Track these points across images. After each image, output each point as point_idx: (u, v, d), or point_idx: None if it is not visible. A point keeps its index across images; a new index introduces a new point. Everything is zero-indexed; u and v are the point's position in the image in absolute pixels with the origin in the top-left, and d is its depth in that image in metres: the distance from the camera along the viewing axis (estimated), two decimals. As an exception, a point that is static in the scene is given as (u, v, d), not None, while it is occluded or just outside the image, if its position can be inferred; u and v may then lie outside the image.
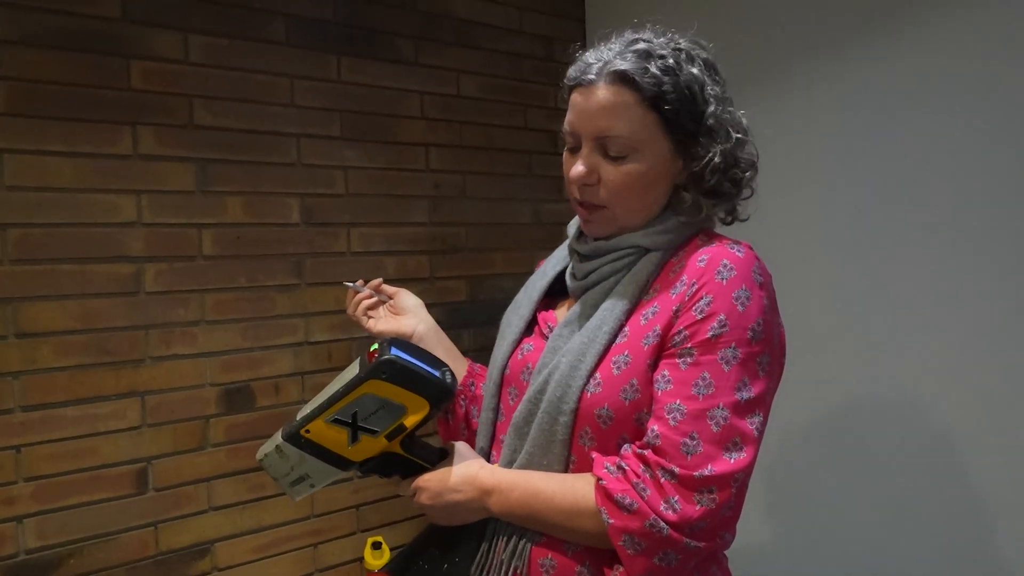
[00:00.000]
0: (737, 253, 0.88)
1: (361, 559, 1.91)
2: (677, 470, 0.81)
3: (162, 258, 1.64)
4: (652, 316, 0.89)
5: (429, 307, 2.06)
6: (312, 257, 1.86)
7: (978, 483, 1.59)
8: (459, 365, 1.14)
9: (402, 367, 0.85)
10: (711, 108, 0.91)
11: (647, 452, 0.84)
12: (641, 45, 0.91)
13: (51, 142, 1.52)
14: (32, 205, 1.50)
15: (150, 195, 1.63)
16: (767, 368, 0.86)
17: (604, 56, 0.92)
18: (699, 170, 0.91)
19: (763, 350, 0.86)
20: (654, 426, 0.84)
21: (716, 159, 0.90)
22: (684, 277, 0.89)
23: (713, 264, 0.87)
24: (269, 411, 1.80)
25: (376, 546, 1.78)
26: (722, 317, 0.84)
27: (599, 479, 0.85)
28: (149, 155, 1.63)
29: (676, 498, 0.81)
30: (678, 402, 0.84)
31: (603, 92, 0.91)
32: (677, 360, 0.85)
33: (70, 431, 1.54)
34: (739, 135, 0.93)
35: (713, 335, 0.84)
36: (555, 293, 1.06)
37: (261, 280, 1.78)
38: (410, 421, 0.88)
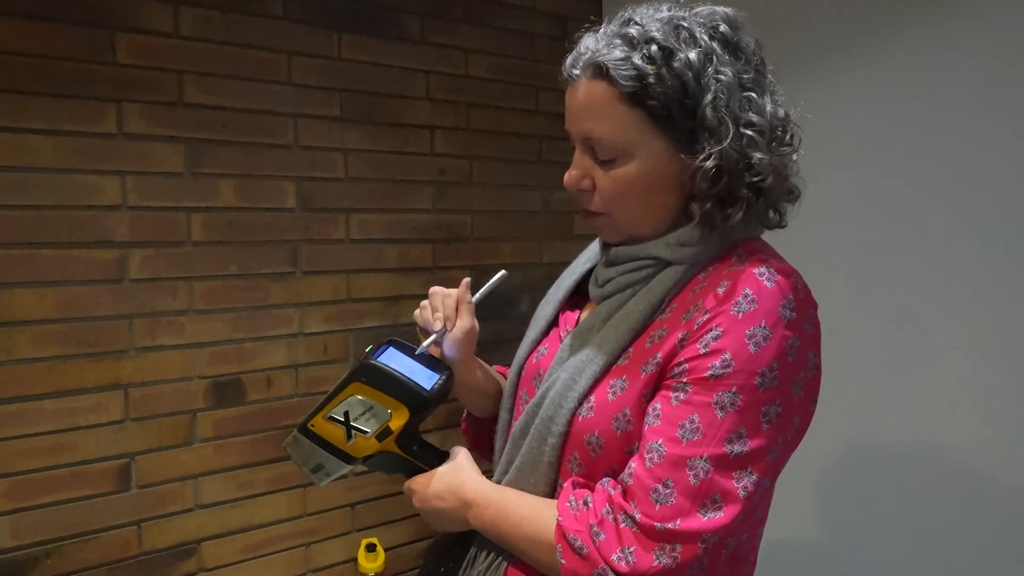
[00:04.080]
0: (766, 282, 0.76)
1: (355, 560, 1.84)
2: (639, 517, 0.73)
3: (148, 243, 1.55)
4: (658, 340, 0.80)
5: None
6: (308, 244, 1.76)
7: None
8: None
9: (381, 372, 0.87)
10: (707, 98, 0.76)
11: (616, 492, 0.76)
12: (631, 29, 0.79)
13: (31, 119, 1.43)
14: (10, 186, 1.41)
15: (136, 177, 1.53)
16: (775, 420, 0.75)
17: (591, 45, 0.81)
18: (697, 174, 0.78)
19: (772, 399, 0.75)
20: (633, 463, 0.76)
21: (711, 162, 0.77)
22: (700, 302, 0.78)
23: (733, 292, 0.76)
24: (261, 405, 1.71)
25: (370, 548, 1.70)
26: (727, 356, 0.74)
27: (559, 515, 0.78)
28: (135, 134, 1.53)
29: (633, 548, 0.73)
30: (660, 442, 0.75)
31: (583, 89, 0.81)
32: (671, 394, 0.76)
33: (48, 425, 1.46)
34: (752, 131, 0.78)
35: (713, 375, 0.74)
36: (586, 291, 0.97)
37: (253, 268, 1.69)
38: (395, 425, 0.87)
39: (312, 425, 0.88)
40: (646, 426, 0.77)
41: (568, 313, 0.97)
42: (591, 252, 1.01)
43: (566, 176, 0.86)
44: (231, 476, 1.68)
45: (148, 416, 1.57)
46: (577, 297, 0.99)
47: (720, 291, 0.77)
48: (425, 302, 1.02)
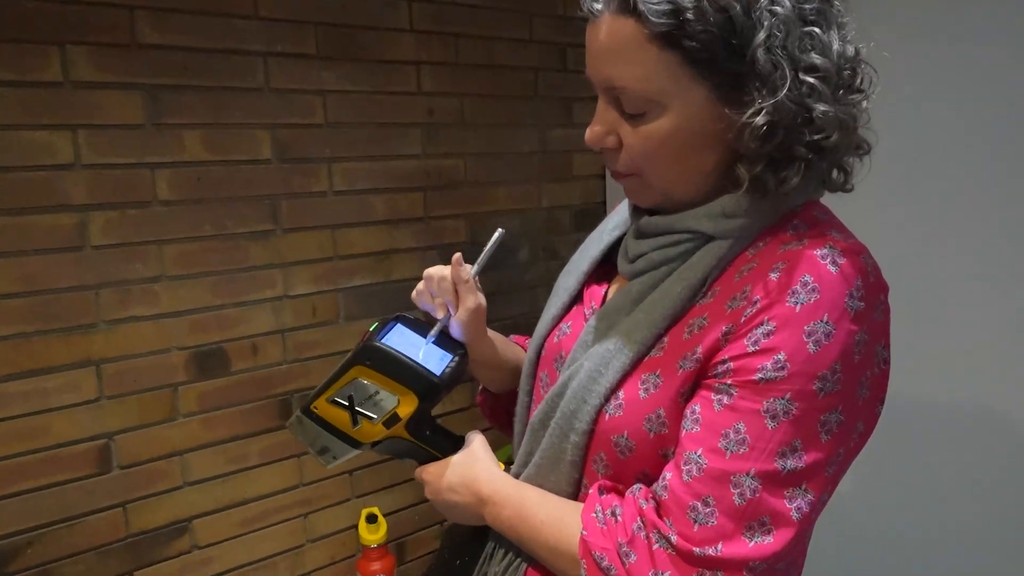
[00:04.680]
0: (829, 266, 0.64)
1: (356, 527, 1.76)
2: (675, 539, 0.64)
3: (110, 205, 1.40)
4: (699, 330, 0.68)
5: (424, 250, 1.85)
6: (288, 199, 1.61)
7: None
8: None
9: (386, 355, 0.79)
10: (759, 36, 0.62)
11: (649, 505, 0.67)
12: None
13: (-39, 68, 1.26)
14: (-56, 146, 1.25)
15: (89, 131, 1.37)
16: (836, 430, 0.64)
17: None
18: (745, 131, 0.65)
19: (834, 406, 0.64)
20: (668, 473, 0.66)
21: (763, 117, 0.63)
22: (749, 288, 0.66)
23: (789, 279, 0.64)
24: (247, 374, 1.60)
25: (371, 519, 1.62)
26: (781, 357, 0.62)
27: (583, 528, 0.69)
28: (84, 82, 1.36)
29: (668, 573, 0.63)
30: (700, 452, 0.64)
31: (605, 27, 0.67)
32: (712, 396, 0.66)
33: (16, 408, 1.34)
34: (814, 76, 0.63)
35: (763, 378, 0.63)
36: (615, 261, 0.84)
37: (230, 227, 1.54)
38: (403, 412, 0.80)
39: (315, 407, 0.80)
40: (683, 431, 0.67)
41: (594, 287, 0.85)
42: (620, 216, 0.87)
43: (588, 132, 0.73)
44: (220, 450, 1.58)
45: (125, 393, 1.45)
46: (605, 267, 0.86)
47: (773, 277, 0.65)
48: (421, 285, 0.90)
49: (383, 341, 0.80)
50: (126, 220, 1.42)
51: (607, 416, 0.71)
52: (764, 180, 0.67)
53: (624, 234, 0.83)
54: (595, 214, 2.16)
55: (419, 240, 1.82)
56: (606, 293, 0.84)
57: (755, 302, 0.64)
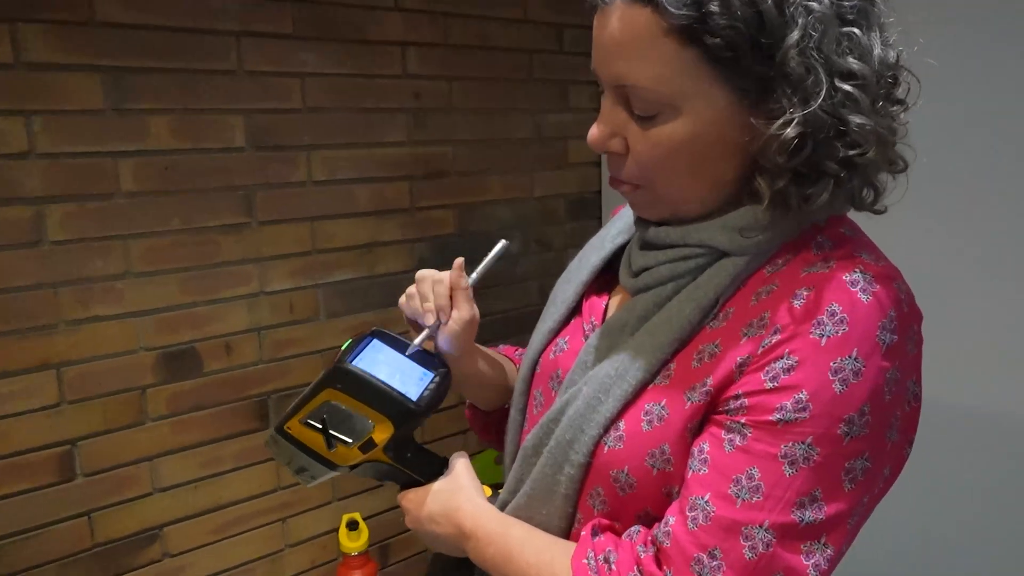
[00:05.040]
0: (860, 294, 0.56)
1: (338, 531, 1.69)
2: None
3: (68, 198, 1.30)
4: (709, 359, 0.61)
5: (412, 243, 1.76)
6: (264, 189, 1.51)
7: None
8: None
9: (356, 379, 0.72)
10: (792, 36, 0.54)
11: (648, 554, 0.60)
12: None
13: (-100, 47, 1.15)
14: None
15: (45, 117, 1.26)
16: (862, 477, 0.57)
17: None
18: (772, 143, 0.57)
19: (861, 451, 0.57)
20: (671, 518, 0.60)
21: (793, 129, 0.55)
22: (768, 314, 0.59)
23: (816, 307, 0.56)
24: (222, 375, 1.51)
25: (352, 526, 1.55)
26: (802, 396, 0.55)
27: (572, 574, 0.63)
28: (39, 63, 1.25)
29: None
30: (707, 498, 0.58)
31: (617, 18, 0.58)
32: (723, 435, 0.58)
33: (-33, 416, 1.25)
34: (851, 84, 0.55)
35: (782, 419, 0.56)
36: (617, 269, 0.77)
37: (200, 220, 1.44)
38: (379, 437, 0.74)
39: (288, 428, 0.74)
40: (689, 471, 0.60)
41: (594, 299, 0.78)
42: (624, 222, 0.79)
43: (591, 133, 0.64)
44: (192, 455, 1.50)
45: (88, 397, 1.37)
46: (607, 276, 0.78)
47: (797, 304, 0.57)
48: (412, 288, 0.82)
49: (354, 363, 0.73)
50: (86, 213, 1.32)
51: (606, 449, 0.64)
52: (786, 196, 0.59)
53: (628, 241, 0.75)
54: (591, 204, 2.06)
55: (405, 232, 1.72)
56: (607, 306, 0.76)
57: (775, 331, 0.57)
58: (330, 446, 0.73)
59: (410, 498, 0.78)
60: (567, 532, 0.70)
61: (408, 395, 0.73)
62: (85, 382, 1.36)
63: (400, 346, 0.78)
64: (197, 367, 1.48)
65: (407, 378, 0.75)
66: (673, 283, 0.66)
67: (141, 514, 1.45)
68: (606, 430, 0.65)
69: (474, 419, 0.95)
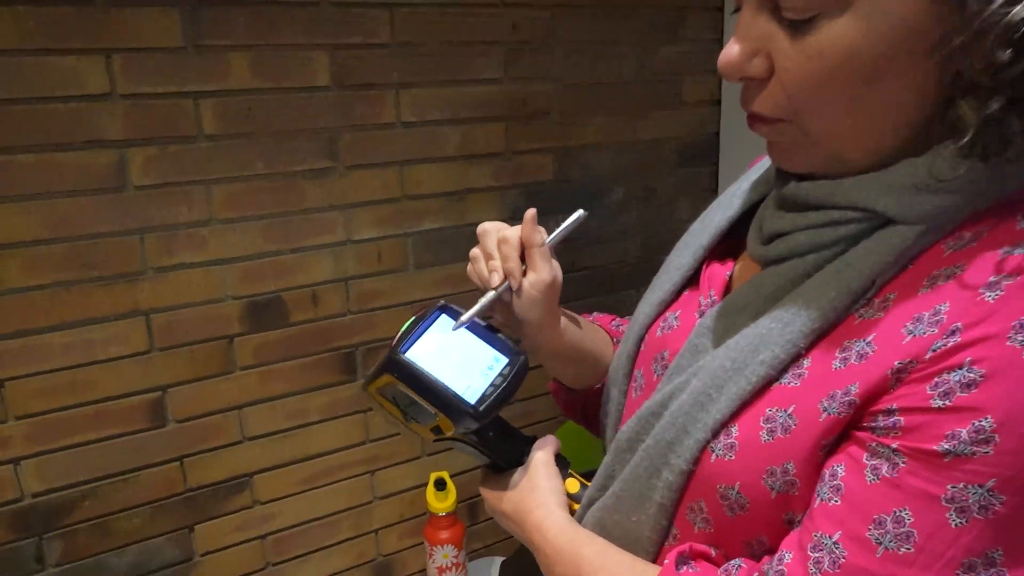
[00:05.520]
0: None
1: (426, 486, 1.64)
2: None
3: (150, 141, 1.25)
4: (857, 359, 0.46)
5: (505, 190, 1.63)
6: (349, 131, 1.42)
7: None
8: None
9: (410, 372, 0.63)
10: None
11: None
12: None
13: (-19, -16, 1.11)
14: (-33, 75, 1.13)
15: (125, 55, 1.21)
16: None
17: None
18: (979, 42, 0.40)
19: None
20: (787, 554, 0.48)
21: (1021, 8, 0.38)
22: (946, 307, 0.43)
23: (1020, 302, 0.41)
24: (308, 326, 1.46)
25: (440, 485, 1.49)
26: (985, 424, 0.40)
27: None
28: (117, -1, 1.19)
29: None
30: (837, 538, 0.45)
31: None
32: (866, 458, 0.45)
33: (59, 361, 1.26)
34: None
35: (952, 451, 0.41)
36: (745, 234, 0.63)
37: (284, 165, 1.37)
38: (445, 429, 0.66)
39: (370, 391, 0.67)
40: (817, 499, 0.47)
41: (716, 267, 0.64)
42: (760, 175, 0.64)
43: (726, 54, 0.49)
44: (279, 405, 1.47)
45: (177, 345, 1.35)
46: (735, 241, 0.64)
47: (990, 297, 0.41)
48: (475, 250, 0.70)
49: (407, 354, 0.64)
50: (167, 157, 1.27)
51: (713, 457, 0.52)
52: (1004, 129, 0.42)
53: (762, 200, 0.60)
54: (707, 149, 1.86)
55: (499, 178, 1.60)
56: (730, 278, 0.62)
57: (953, 331, 0.42)
58: (407, 419, 0.67)
59: (487, 488, 0.72)
60: (659, 547, 0.59)
61: (465, 397, 0.63)
62: (173, 330, 1.34)
63: (471, 325, 0.67)
64: (283, 317, 1.44)
65: (470, 369, 0.65)
66: (814, 255, 0.51)
67: (231, 462, 1.45)
68: (715, 435, 0.52)
69: (559, 395, 0.84)
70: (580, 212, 0.67)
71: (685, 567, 0.53)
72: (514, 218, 0.68)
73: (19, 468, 1.26)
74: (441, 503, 1.49)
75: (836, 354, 0.48)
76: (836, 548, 0.44)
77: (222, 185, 1.32)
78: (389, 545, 1.67)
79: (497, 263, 0.66)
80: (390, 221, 1.50)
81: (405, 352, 0.64)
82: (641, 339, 0.68)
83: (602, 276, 1.78)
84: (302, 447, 1.51)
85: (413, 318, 0.67)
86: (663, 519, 0.57)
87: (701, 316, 0.61)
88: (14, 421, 1.24)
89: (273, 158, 1.35)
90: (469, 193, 1.57)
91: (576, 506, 0.69)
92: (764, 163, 0.64)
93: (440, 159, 1.52)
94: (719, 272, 0.63)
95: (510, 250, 0.66)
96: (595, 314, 0.86)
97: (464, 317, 0.67)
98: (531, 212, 0.66)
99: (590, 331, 0.77)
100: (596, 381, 0.78)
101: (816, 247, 0.51)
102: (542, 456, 0.69)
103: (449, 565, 1.49)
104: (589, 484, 0.68)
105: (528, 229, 0.65)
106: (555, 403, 0.84)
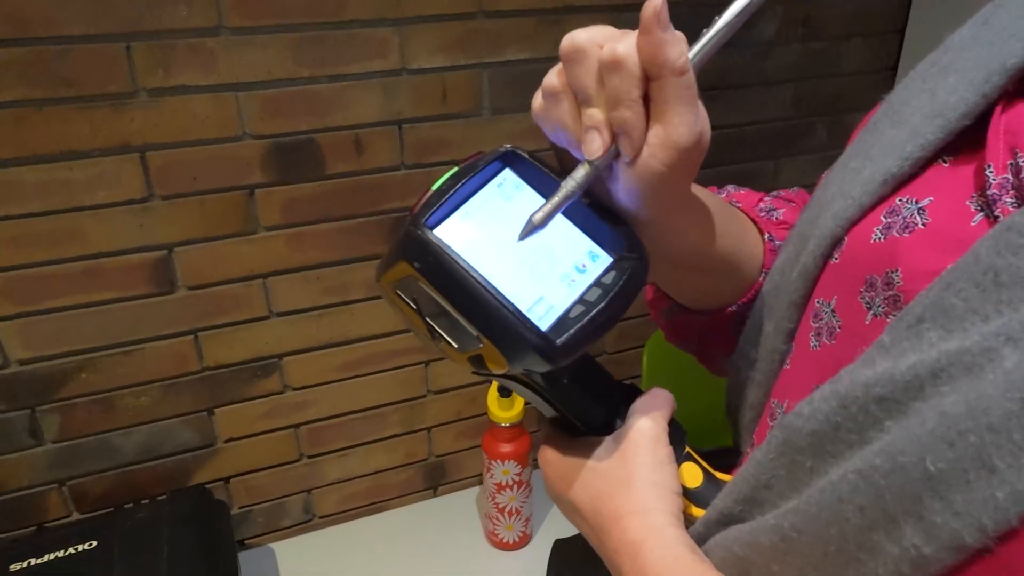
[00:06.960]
0: None
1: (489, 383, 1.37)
2: None
3: (130, -94, 0.90)
4: None
5: (614, 10, 1.21)
6: (409, -88, 1.03)
7: None
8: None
9: (439, 265, 0.38)
10: None
11: None
12: None
13: None
14: None
15: None
16: None
17: None
18: None
19: None
20: None
21: None
22: None
23: None
24: (349, 180, 1.15)
25: (504, 393, 1.20)
26: None
27: None
28: None
29: None
30: None
31: None
32: None
33: (34, 204, 0.99)
34: None
35: None
36: None
37: (318, -45, 1.00)
38: (494, 365, 0.40)
39: (383, 282, 0.44)
40: None
41: (1013, 111, 0.34)
42: None
43: None
44: (313, 277, 1.19)
45: (183, 193, 1.06)
46: None
47: None
48: (553, 78, 0.37)
49: (438, 230, 0.40)
50: (156, -68, 0.92)
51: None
52: None
53: None
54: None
55: (610, -5, 1.18)
56: None
57: None
58: (433, 335, 0.42)
59: (551, 458, 0.47)
60: None
61: (533, 319, 0.38)
62: (176, 173, 1.05)
63: (553, 187, 0.39)
64: (318, 166, 1.12)
65: (546, 269, 0.40)
66: None
67: (256, 340, 1.20)
68: None
69: (661, 311, 0.56)
70: None
71: None
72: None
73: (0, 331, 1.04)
74: (505, 412, 1.21)
75: None
76: None
77: (233, -21, 0.97)
78: (443, 445, 1.42)
79: (598, 112, 0.35)
80: (459, 46, 1.12)
81: (434, 226, 0.40)
82: (835, 244, 0.41)
83: (733, 136, 1.37)
84: (342, 329, 1.24)
85: (455, 170, 0.42)
86: None
87: (988, 207, 0.32)
88: (-15, 274, 1.00)
89: (302, -57, 0.99)
90: (570, 13, 1.16)
91: (696, 512, 0.43)
92: None
93: (533, -39, 1.11)
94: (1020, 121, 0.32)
95: (625, 83, 0.34)
96: (728, 188, 0.55)
97: (538, 213, 0.38)
98: (654, 4, 0.32)
99: (726, 219, 0.47)
100: (731, 300, 0.50)
101: None
102: (648, 427, 0.43)
103: (510, 483, 1.23)
104: (720, 476, 0.44)
105: (654, 38, 0.32)
106: (650, 319, 0.53)
